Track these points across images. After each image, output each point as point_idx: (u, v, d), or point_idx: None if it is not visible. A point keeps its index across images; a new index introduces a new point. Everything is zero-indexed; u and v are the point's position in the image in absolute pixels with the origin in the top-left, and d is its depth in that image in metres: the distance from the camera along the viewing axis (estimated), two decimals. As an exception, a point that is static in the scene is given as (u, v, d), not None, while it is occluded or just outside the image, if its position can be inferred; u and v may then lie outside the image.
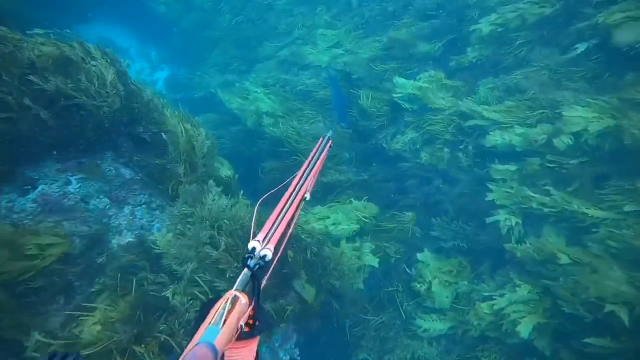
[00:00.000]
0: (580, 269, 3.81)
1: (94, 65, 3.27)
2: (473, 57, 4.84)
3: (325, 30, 6.57)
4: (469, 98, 4.71)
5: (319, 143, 1.91)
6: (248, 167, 4.90)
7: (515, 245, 4.19)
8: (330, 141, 2.00)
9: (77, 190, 3.22)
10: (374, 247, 4.80)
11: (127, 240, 3.38)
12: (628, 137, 3.67)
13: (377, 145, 5.12)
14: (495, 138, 4.29)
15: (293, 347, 4.00)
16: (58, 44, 3.18)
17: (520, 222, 4.31)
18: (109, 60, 3.44)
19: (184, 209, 3.90)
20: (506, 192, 4.26)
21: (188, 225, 3.83)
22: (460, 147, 4.69)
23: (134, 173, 3.61)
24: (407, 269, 4.87)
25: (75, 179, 3.25)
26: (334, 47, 6.11)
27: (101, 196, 3.34)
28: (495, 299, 4.07)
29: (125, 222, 3.44)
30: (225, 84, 6.76)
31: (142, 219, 3.59)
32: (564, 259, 3.89)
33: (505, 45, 4.91)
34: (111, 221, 3.36)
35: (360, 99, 5.12)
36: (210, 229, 3.81)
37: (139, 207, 3.59)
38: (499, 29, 4.73)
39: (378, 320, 4.77)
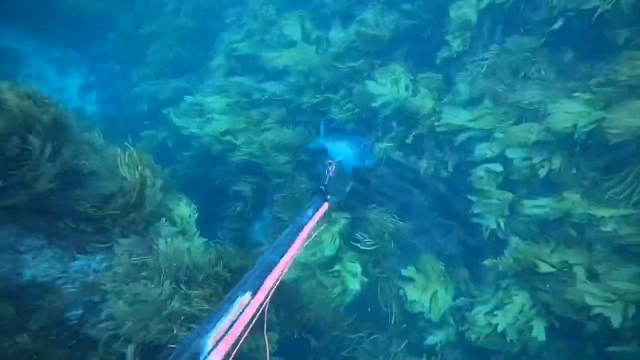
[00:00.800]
0: (570, 273, 3.59)
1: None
2: (458, 46, 4.34)
3: (285, 21, 5.75)
4: (448, 102, 4.29)
5: (309, 205, 1.65)
6: (211, 198, 4.26)
7: (496, 260, 3.96)
8: (327, 203, 1.67)
9: None
10: (357, 265, 4.41)
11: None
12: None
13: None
14: (484, 152, 3.94)
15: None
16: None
17: (506, 222, 4.04)
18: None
19: (133, 259, 3.30)
20: (490, 202, 3.95)
21: (143, 280, 3.26)
22: (445, 152, 4.30)
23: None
24: (396, 283, 4.56)
25: None
26: (296, 45, 5.29)
27: None
28: (496, 315, 3.82)
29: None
30: (176, 93, 5.85)
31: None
32: (544, 268, 3.65)
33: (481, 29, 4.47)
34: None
35: (332, 107, 4.55)
36: (173, 282, 3.27)
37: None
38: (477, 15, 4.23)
39: (370, 338, 4.49)
